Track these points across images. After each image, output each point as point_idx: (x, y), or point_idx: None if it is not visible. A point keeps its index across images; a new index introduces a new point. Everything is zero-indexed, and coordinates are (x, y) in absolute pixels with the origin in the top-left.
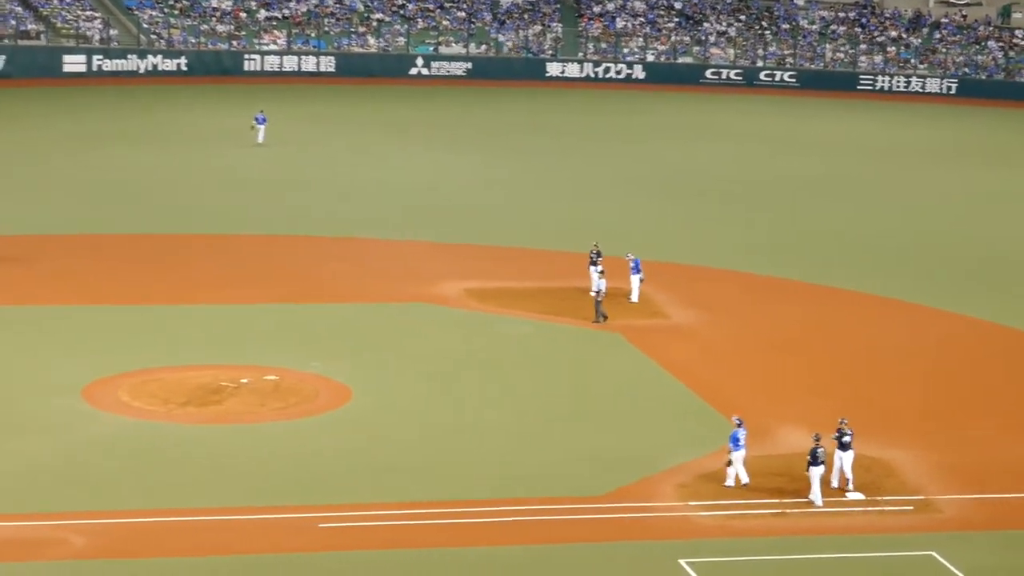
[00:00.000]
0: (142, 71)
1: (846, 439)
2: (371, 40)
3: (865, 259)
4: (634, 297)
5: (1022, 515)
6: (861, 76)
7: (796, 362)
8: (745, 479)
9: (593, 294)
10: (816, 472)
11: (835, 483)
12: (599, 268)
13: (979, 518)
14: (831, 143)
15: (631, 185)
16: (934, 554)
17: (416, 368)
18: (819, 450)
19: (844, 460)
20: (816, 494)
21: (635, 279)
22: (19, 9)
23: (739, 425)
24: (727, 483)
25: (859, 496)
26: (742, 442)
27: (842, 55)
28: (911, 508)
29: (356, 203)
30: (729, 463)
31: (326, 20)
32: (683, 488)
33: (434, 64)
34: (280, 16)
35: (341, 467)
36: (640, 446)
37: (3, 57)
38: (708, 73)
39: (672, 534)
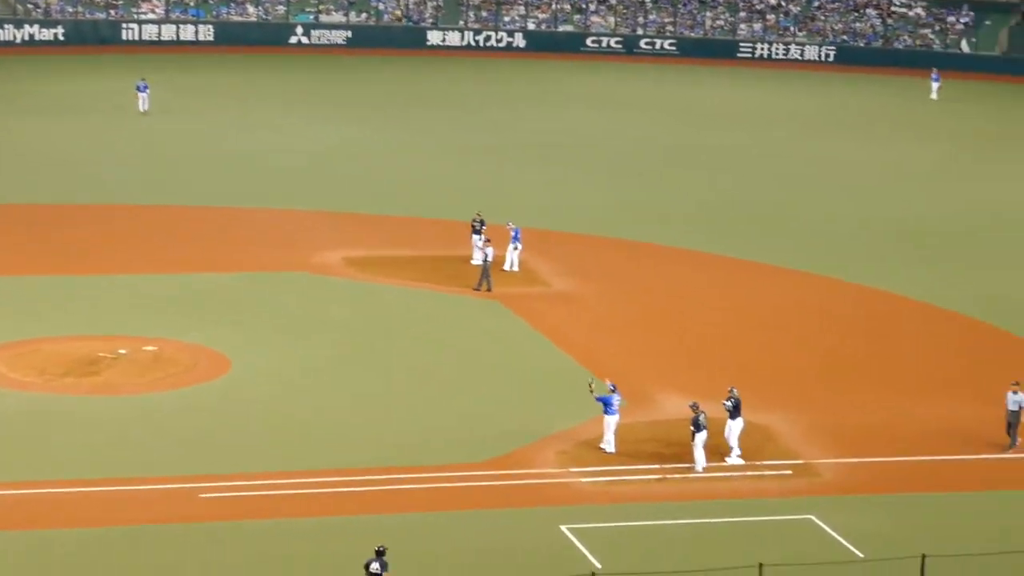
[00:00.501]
0: (18, 41)
1: (730, 405)
2: (250, 9)
3: (745, 227)
4: (508, 266)
5: (899, 478)
6: (740, 44)
7: (676, 328)
8: (611, 448)
9: (480, 262)
10: (700, 438)
11: (734, 452)
12: (484, 237)
13: (857, 482)
14: (710, 111)
15: (512, 153)
16: (812, 518)
17: (295, 337)
18: (700, 417)
19: (732, 428)
20: (700, 459)
21: (512, 248)
22: None
23: (613, 390)
24: (603, 447)
25: (739, 461)
26: (615, 407)
27: (722, 23)
28: (790, 472)
29: (237, 172)
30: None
31: None
32: (563, 455)
33: (314, 33)
34: None
35: (221, 437)
36: (521, 413)
37: None
38: (588, 41)
39: (553, 500)
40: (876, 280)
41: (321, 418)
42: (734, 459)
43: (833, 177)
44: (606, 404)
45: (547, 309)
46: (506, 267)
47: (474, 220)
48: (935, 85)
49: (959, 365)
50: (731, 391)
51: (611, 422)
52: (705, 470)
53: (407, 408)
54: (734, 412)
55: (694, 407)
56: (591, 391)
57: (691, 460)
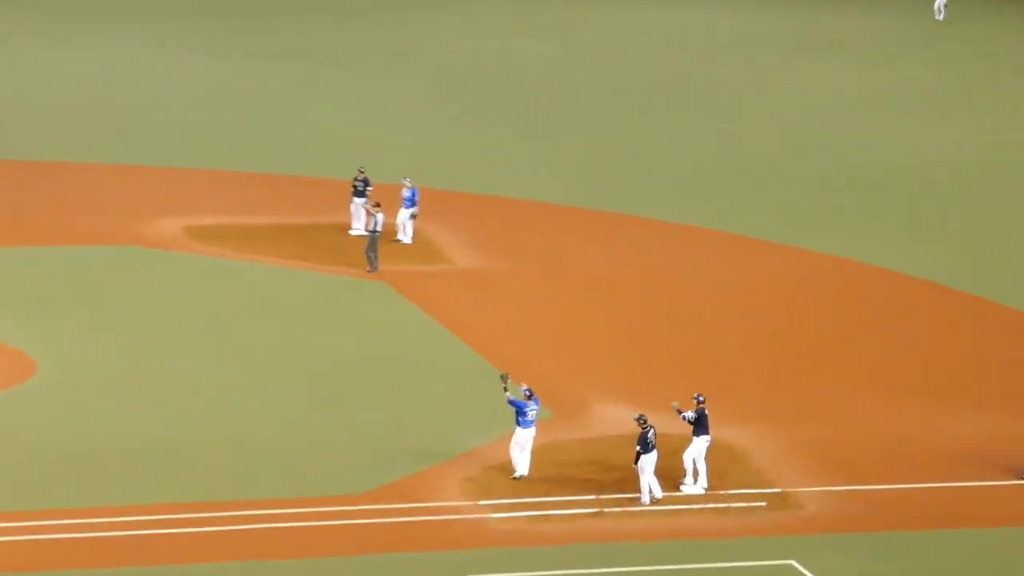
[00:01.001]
0: None
1: (691, 417)
2: None
3: (688, 183)
4: (402, 235)
5: (901, 511)
6: None
7: (615, 317)
8: (523, 470)
9: (364, 233)
10: (648, 461)
11: (699, 480)
12: (369, 200)
13: (848, 516)
14: (642, 37)
15: (407, 85)
16: (793, 563)
17: (121, 333)
18: (648, 433)
19: (695, 448)
20: (652, 488)
21: (407, 213)
22: None
23: (529, 396)
24: (516, 474)
25: (698, 490)
26: (530, 417)
27: None
28: (764, 504)
29: (51, 115)
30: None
31: None
32: (470, 483)
33: None
34: None
35: (17, 462)
36: (415, 429)
37: None
38: None
39: (457, 542)
40: (864, 249)
41: (151, 438)
42: (692, 487)
43: (799, 113)
44: (519, 411)
45: (450, 293)
46: (400, 238)
47: (356, 178)
48: (941, 2)
49: (974, 361)
50: (697, 399)
51: (524, 437)
52: (655, 502)
53: (268, 424)
54: (698, 427)
55: (641, 420)
56: (504, 388)
57: (636, 489)
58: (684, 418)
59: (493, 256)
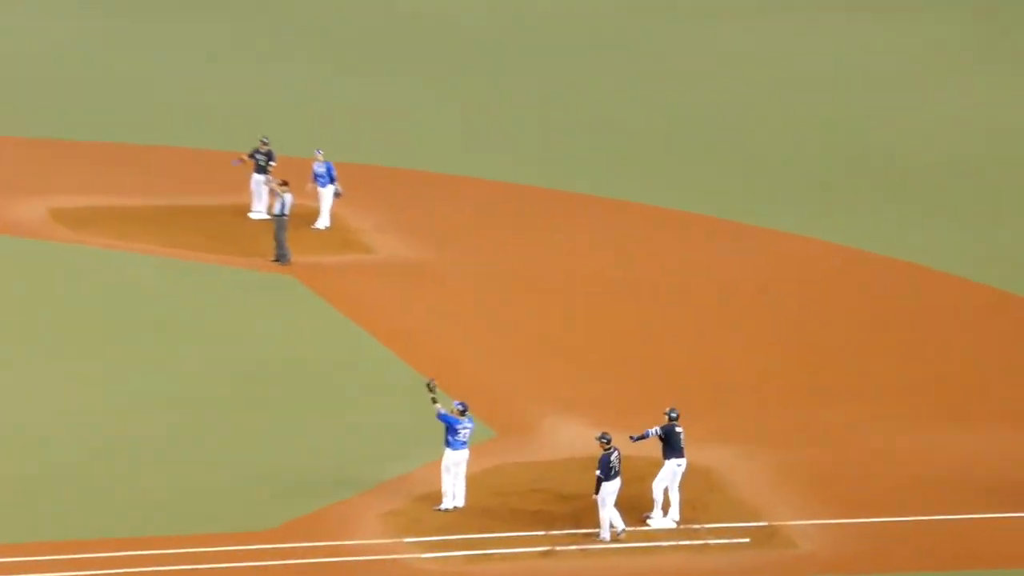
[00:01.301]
0: None
1: (670, 436)
2: None
3: (662, 158)
4: (321, 221)
5: (911, 547)
6: None
7: (564, 316)
8: (456, 500)
9: (267, 216)
10: (610, 491)
11: (669, 512)
12: (273, 177)
13: (849, 554)
14: None
15: (316, 50)
16: None
17: None
18: (612, 456)
19: (666, 473)
20: (613, 522)
21: (326, 193)
22: None
23: (462, 412)
24: (443, 505)
25: (668, 523)
26: (463, 438)
27: None
28: (747, 541)
29: None
30: None
31: None
32: (394, 517)
33: None
34: None
35: None
36: (329, 453)
37: None
38: None
39: None
40: (875, 237)
41: (18, 466)
42: (662, 520)
43: (780, 76)
44: (449, 428)
45: (371, 289)
46: (318, 225)
47: (256, 151)
48: None
49: (999, 368)
50: (669, 414)
51: (456, 460)
52: (617, 538)
53: (144, 451)
54: (668, 448)
55: (604, 441)
56: (432, 398)
57: (594, 523)
58: (649, 435)
59: (423, 244)
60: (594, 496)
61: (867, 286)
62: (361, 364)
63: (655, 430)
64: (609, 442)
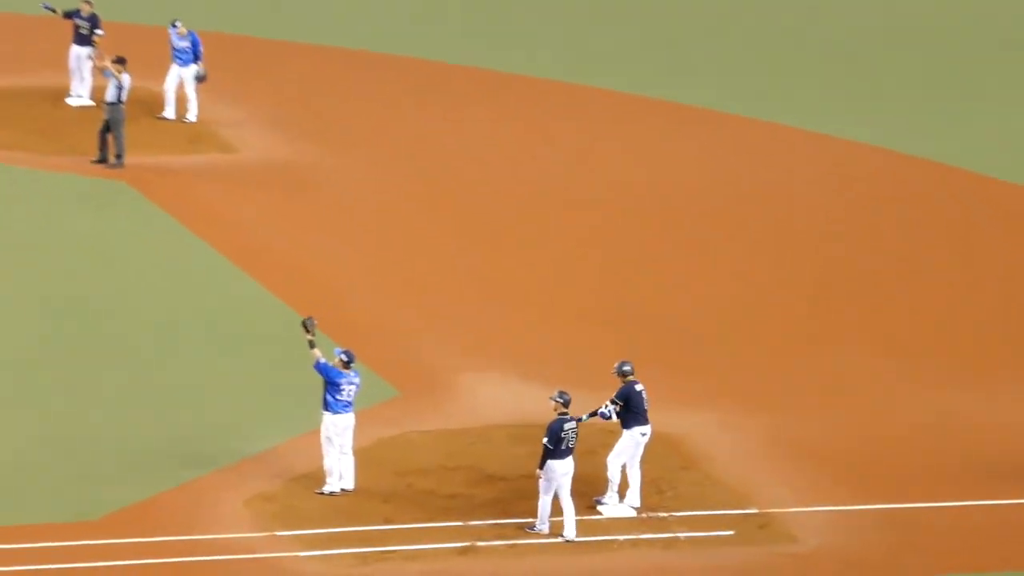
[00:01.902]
0: None
1: (629, 398)
2: None
3: (636, 37)
4: (169, 111)
5: (946, 544)
6: None
7: (482, 236)
8: (343, 482)
9: (92, 103)
10: (560, 472)
11: (628, 496)
12: (101, 53)
13: (865, 551)
14: None
15: None
16: None
17: None
18: (566, 424)
19: (629, 446)
20: (565, 525)
21: (187, 73)
22: None
23: (347, 364)
24: (327, 488)
25: (625, 510)
26: (347, 396)
27: None
28: (731, 533)
29: None
30: None
31: None
32: (262, 502)
33: None
34: None
35: None
36: (176, 419)
37: None
38: None
39: None
40: (905, 135)
41: None
42: (617, 506)
43: None
44: (330, 384)
45: (233, 202)
46: (166, 114)
47: (77, 14)
48: None
49: None
50: (621, 369)
51: (339, 427)
52: (564, 528)
53: None
54: (627, 414)
55: (560, 400)
56: (309, 341)
57: (529, 512)
58: (605, 414)
59: (304, 142)
60: (537, 472)
61: (901, 195)
62: (214, 299)
63: (609, 406)
64: (567, 404)
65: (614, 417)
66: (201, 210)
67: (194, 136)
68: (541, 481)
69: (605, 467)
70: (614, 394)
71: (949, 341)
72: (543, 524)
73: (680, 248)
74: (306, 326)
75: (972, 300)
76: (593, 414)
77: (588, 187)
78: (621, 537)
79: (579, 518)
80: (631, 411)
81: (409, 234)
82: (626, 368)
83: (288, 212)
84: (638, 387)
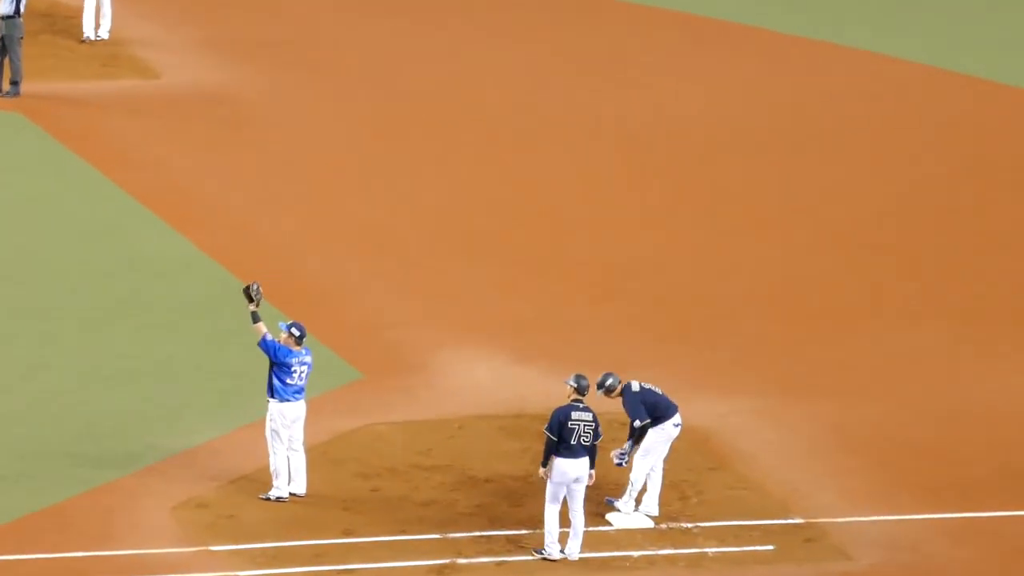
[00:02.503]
0: None
1: (656, 396)
2: None
3: None
4: (101, 30)
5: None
6: None
7: (461, 184)
8: (289, 488)
9: None
10: (571, 478)
11: (645, 501)
12: None
13: (936, 570)
14: None
15: None
16: None
17: None
18: (575, 414)
19: (659, 443)
20: (569, 542)
21: None
22: None
23: (297, 340)
24: (273, 492)
25: (640, 519)
26: (298, 380)
27: None
28: (771, 549)
29: None
30: None
31: None
32: (193, 509)
33: None
34: None
35: None
36: (87, 408)
37: None
38: None
39: None
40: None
41: None
42: (631, 516)
43: None
44: (277, 365)
45: (150, 136)
46: (85, 29)
47: None
48: None
49: None
50: (606, 383)
51: (288, 417)
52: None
53: None
54: (657, 414)
55: (575, 386)
56: (253, 313)
57: (530, 522)
58: (623, 457)
59: (241, 67)
60: (540, 473)
61: (976, 128)
62: (132, 259)
63: (628, 445)
64: (582, 392)
65: (627, 451)
66: (115, 149)
67: (107, 58)
68: (548, 487)
69: (629, 467)
70: (634, 418)
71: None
72: (552, 545)
73: (705, 200)
74: (249, 294)
75: None
76: (625, 453)
77: (593, 117)
78: (635, 553)
79: (585, 529)
80: (659, 412)
81: (372, 179)
82: (609, 382)
83: (222, 152)
84: (635, 386)
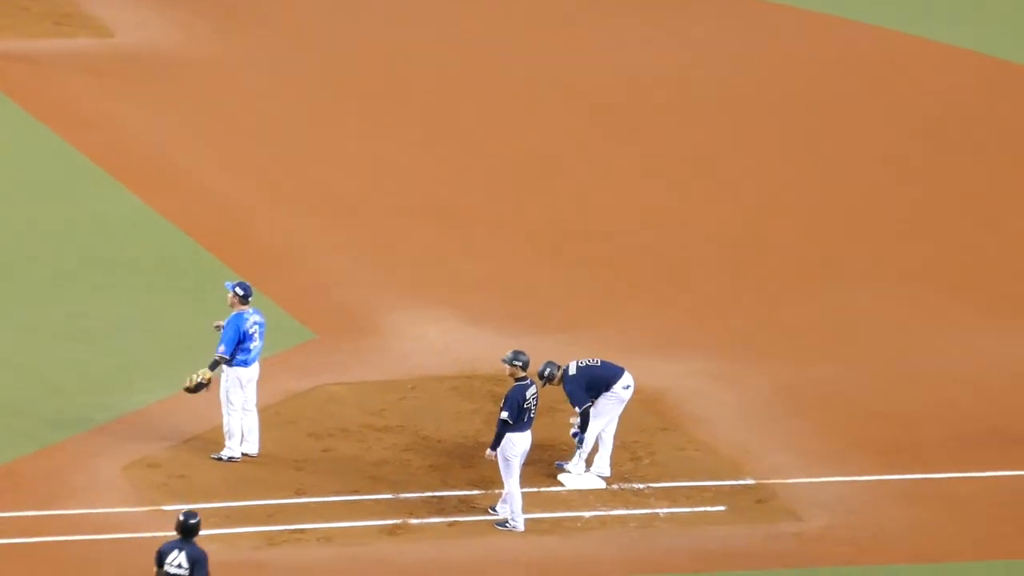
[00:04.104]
0: None
1: (601, 369)
2: None
3: None
4: None
5: (999, 522)
6: None
7: (419, 140)
8: (241, 448)
9: None
10: (519, 450)
11: (596, 461)
12: None
13: (886, 533)
14: None
15: None
16: None
17: None
18: (528, 392)
19: (622, 402)
20: (511, 506)
21: None
22: None
23: (243, 299)
24: (225, 452)
25: (592, 480)
26: (251, 339)
27: None
28: (723, 509)
29: None
30: None
31: None
32: (147, 470)
33: None
34: None
35: None
36: (35, 364)
37: None
38: None
39: None
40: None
41: None
42: (583, 477)
43: None
44: (239, 334)
45: (109, 95)
46: None
47: None
48: None
49: None
50: (545, 373)
51: (241, 379)
52: (503, 526)
53: None
54: (604, 382)
55: (518, 363)
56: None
57: (470, 483)
58: (580, 434)
59: (203, 27)
60: (489, 453)
61: (933, 94)
62: (84, 218)
63: (575, 424)
64: (525, 367)
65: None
66: (68, 108)
67: (60, 16)
68: (500, 462)
69: (574, 429)
70: (575, 403)
71: (991, 275)
72: (517, 518)
73: (661, 162)
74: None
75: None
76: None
77: (550, 81)
78: (587, 514)
79: (536, 490)
80: (606, 379)
81: (326, 137)
82: (548, 371)
83: (176, 112)
84: (572, 369)
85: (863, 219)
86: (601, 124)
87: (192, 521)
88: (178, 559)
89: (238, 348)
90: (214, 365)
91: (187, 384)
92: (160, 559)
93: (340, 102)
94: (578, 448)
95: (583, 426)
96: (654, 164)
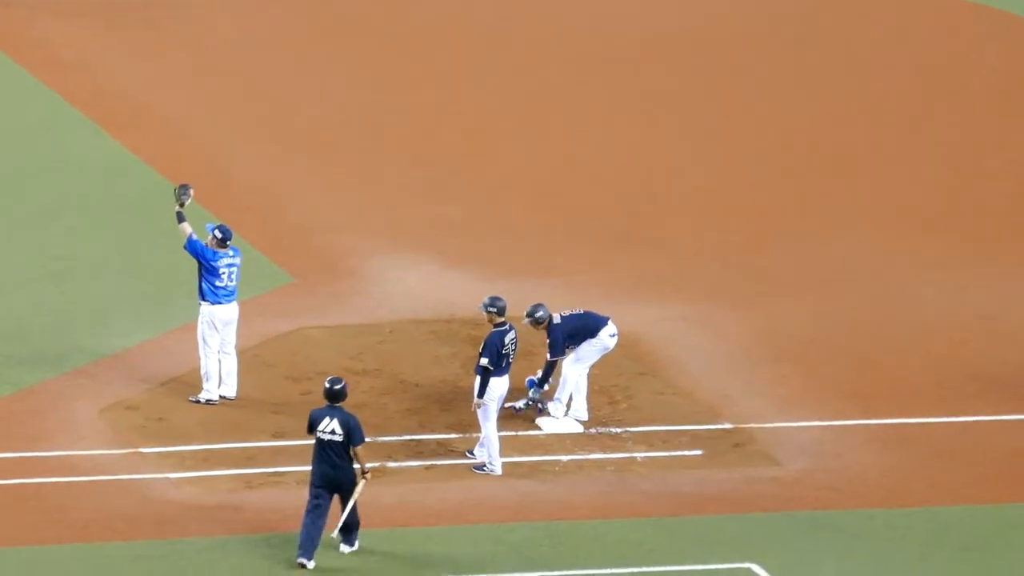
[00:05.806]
0: None
1: (584, 318)
2: None
3: None
4: None
5: (973, 466)
6: None
7: (400, 81)
8: (219, 390)
9: None
10: (499, 390)
11: (573, 407)
12: None
13: (863, 477)
14: None
15: None
16: (753, 568)
17: None
18: (507, 338)
19: (605, 349)
20: (489, 451)
21: None
22: None
23: (222, 242)
24: (203, 395)
25: (570, 424)
26: (227, 283)
27: None
28: (700, 454)
29: None
30: None
31: None
32: (125, 412)
33: None
34: None
35: None
36: (12, 307)
37: None
38: None
39: (111, 527)
40: None
41: None
42: (561, 421)
43: None
44: (205, 267)
45: (85, 35)
46: None
47: None
48: None
49: None
50: (535, 316)
51: (218, 320)
52: (481, 469)
53: None
54: (587, 329)
55: (494, 309)
56: (178, 213)
57: (447, 426)
58: (532, 396)
59: None
60: (477, 402)
61: (922, 41)
62: (60, 159)
63: (535, 386)
64: (501, 312)
65: (537, 384)
66: (45, 50)
67: None
68: (479, 411)
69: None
70: (551, 351)
71: (969, 219)
72: (494, 461)
73: (642, 106)
74: (178, 195)
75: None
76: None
77: (529, 21)
78: (564, 458)
79: (514, 433)
80: (588, 328)
81: (305, 78)
82: (539, 313)
83: (153, 52)
84: (556, 318)
85: (842, 164)
86: (581, 67)
87: (337, 387)
88: (331, 425)
89: (206, 281)
90: (181, 219)
91: (180, 190)
92: (312, 424)
93: (317, 44)
94: (529, 394)
95: (544, 376)
96: (632, 108)
